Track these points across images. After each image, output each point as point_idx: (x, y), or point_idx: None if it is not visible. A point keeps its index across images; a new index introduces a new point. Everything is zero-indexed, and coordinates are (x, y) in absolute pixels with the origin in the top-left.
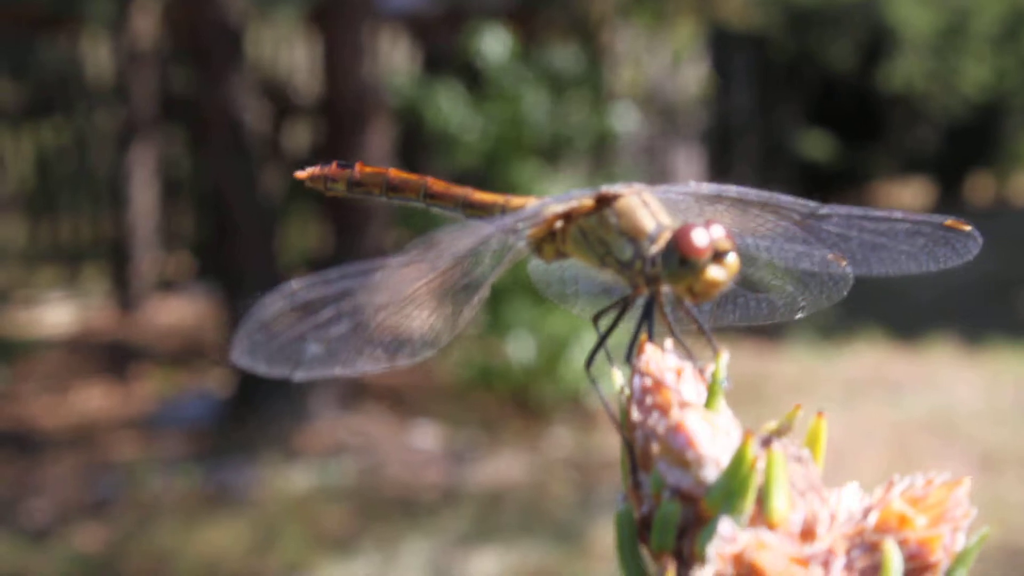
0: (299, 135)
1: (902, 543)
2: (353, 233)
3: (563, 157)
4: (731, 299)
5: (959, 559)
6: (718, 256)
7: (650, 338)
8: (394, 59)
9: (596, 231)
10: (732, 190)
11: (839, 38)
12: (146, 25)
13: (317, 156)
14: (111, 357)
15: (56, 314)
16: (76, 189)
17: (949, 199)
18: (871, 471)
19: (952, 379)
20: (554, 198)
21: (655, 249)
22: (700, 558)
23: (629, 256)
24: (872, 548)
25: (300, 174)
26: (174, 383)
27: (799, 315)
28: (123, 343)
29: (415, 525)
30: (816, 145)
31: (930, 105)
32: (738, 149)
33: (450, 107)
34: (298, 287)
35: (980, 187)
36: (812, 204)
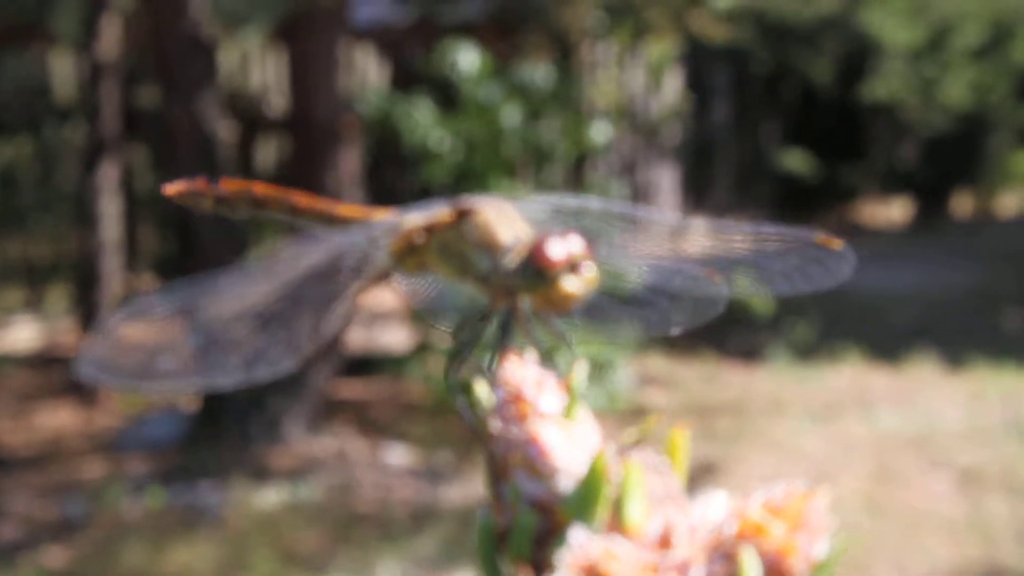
0: (268, 151)
1: (760, 552)
2: None
3: (539, 172)
4: (601, 313)
5: (819, 568)
6: (574, 268)
7: (508, 350)
8: (364, 73)
9: (455, 244)
10: (595, 204)
11: (819, 52)
12: (112, 41)
13: (286, 172)
14: (76, 375)
15: (20, 332)
16: (41, 206)
17: (930, 214)
18: (851, 489)
19: (933, 397)
20: (416, 211)
21: (512, 261)
22: (554, 567)
23: (486, 268)
24: (730, 557)
25: (168, 189)
26: (141, 402)
27: (674, 330)
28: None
29: (388, 545)
30: (796, 160)
31: (911, 120)
32: (717, 164)
33: (423, 121)
34: (145, 299)
35: (962, 202)
36: (680, 220)
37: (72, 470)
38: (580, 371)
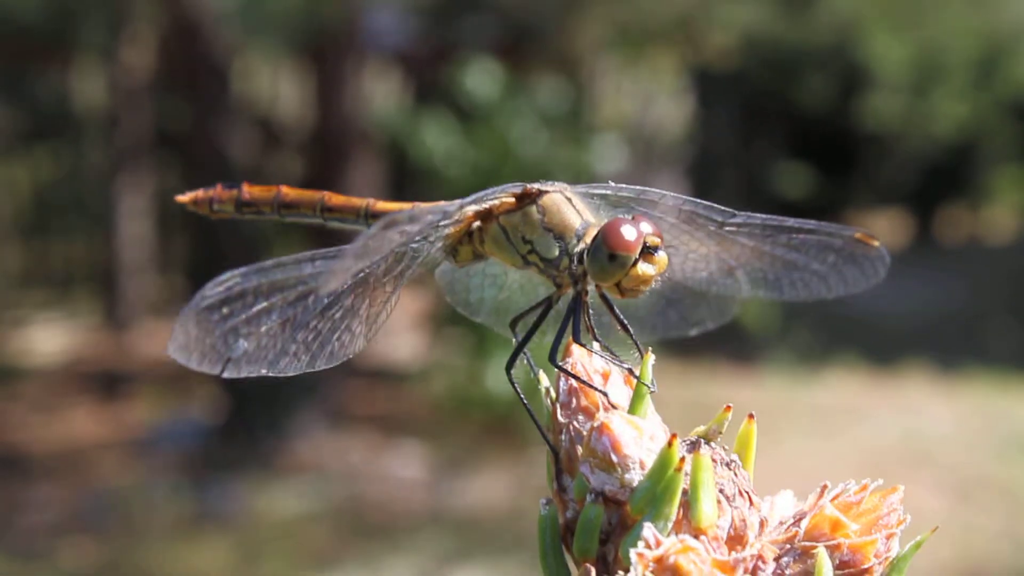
0: (288, 166)
1: (834, 549)
2: None
3: None
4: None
5: (893, 565)
6: (647, 252)
7: (576, 339)
8: (383, 93)
9: (519, 228)
10: (652, 192)
11: (816, 75)
12: (138, 57)
13: (305, 187)
14: (101, 381)
15: (47, 339)
16: (69, 215)
17: (924, 235)
18: None
19: (926, 408)
20: (470, 197)
21: (582, 245)
22: (624, 563)
23: (555, 253)
24: (803, 554)
25: (181, 198)
26: (163, 406)
27: (693, 332)
28: (113, 367)
29: (397, 546)
30: (793, 181)
31: (905, 142)
32: (717, 184)
33: (436, 140)
34: (232, 276)
35: (954, 222)
36: (728, 211)
37: (95, 473)
38: (649, 363)
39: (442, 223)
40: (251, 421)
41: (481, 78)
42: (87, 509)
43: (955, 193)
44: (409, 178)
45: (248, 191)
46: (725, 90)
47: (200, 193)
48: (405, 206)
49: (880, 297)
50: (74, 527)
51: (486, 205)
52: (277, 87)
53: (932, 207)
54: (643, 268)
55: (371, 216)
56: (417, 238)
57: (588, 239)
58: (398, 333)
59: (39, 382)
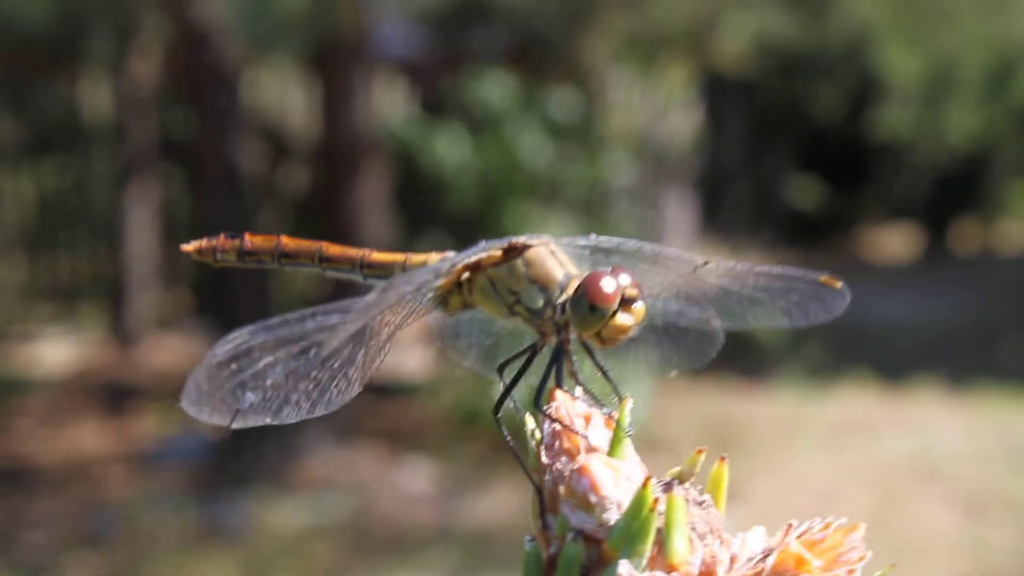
0: (296, 177)
1: None
2: None
3: (557, 201)
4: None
5: None
6: (625, 303)
7: (559, 385)
8: (392, 104)
9: (505, 280)
10: (630, 244)
11: (828, 87)
12: (145, 67)
13: (313, 198)
14: (108, 394)
15: (53, 351)
16: (75, 227)
17: (936, 247)
18: (856, 515)
19: (937, 423)
20: (459, 253)
21: (564, 297)
22: None
23: (539, 304)
24: None
25: (186, 247)
26: (170, 420)
27: (672, 373)
28: (120, 380)
29: (406, 561)
30: (805, 192)
31: (918, 154)
32: (729, 195)
33: (446, 150)
34: (240, 334)
35: (967, 235)
36: (698, 259)
37: (99, 487)
38: (627, 407)
39: (435, 277)
40: (258, 436)
41: (490, 88)
42: (93, 523)
43: (968, 205)
44: (417, 189)
45: (250, 241)
46: (736, 102)
47: (204, 243)
48: (399, 257)
49: (893, 310)
50: (80, 541)
51: (474, 259)
52: (285, 98)
53: (945, 219)
54: (622, 319)
55: (366, 267)
56: (410, 295)
57: (570, 291)
58: (406, 347)
59: (45, 395)
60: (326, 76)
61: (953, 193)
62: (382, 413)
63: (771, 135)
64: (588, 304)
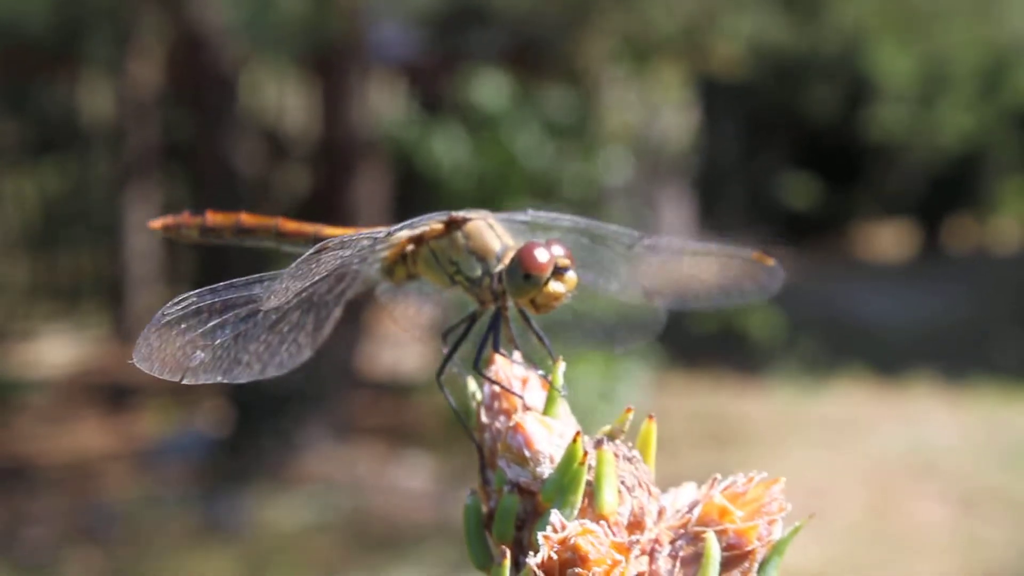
0: (294, 179)
1: (721, 533)
2: None
3: (554, 201)
4: (555, 325)
5: (775, 548)
6: (558, 272)
7: (496, 349)
8: (390, 104)
9: (447, 252)
10: (566, 219)
11: (822, 86)
12: (145, 69)
13: (312, 199)
14: (109, 393)
15: (55, 351)
16: (76, 227)
17: (930, 244)
18: (851, 509)
19: (931, 419)
20: (404, 223)
21: (501, 266)
22: (535, 546)
23: (478, 274)
24: (695, 538)
25: (153, 224)
26: (170, 418)
27: (619, 348)
28: (121, 379)
29: (403, 557)
30: (800, 191)
31: (911, 153)
32: (724, 194)
33: (444, 150)
34: (189, 297)
35: (960, 233)
36: (636, 234)
37: (100, 484)
38: (560, 369)
39: (376, 247)
40: (257, 433)
41: (488, 89)
42: (94, 521)
43: (961, 204)
44: (416, 189)
45: (212, 217)
46: (731, 101)
47: (170, 219)
48: (350, 231)
49: (887, 307)
50: (80, 539)
51: (417, 231)
52: (283, 99)
53: (938, 218)
54: (554, 286)
55: (318, 241)
56: (355, 261)
57: (506, 261)
58: (404, 344)
59: (46, 394)
60: (324, 78)
61: (946, 191)
62: (380, 410)
63: (766, 134)
64: (523, 273)
